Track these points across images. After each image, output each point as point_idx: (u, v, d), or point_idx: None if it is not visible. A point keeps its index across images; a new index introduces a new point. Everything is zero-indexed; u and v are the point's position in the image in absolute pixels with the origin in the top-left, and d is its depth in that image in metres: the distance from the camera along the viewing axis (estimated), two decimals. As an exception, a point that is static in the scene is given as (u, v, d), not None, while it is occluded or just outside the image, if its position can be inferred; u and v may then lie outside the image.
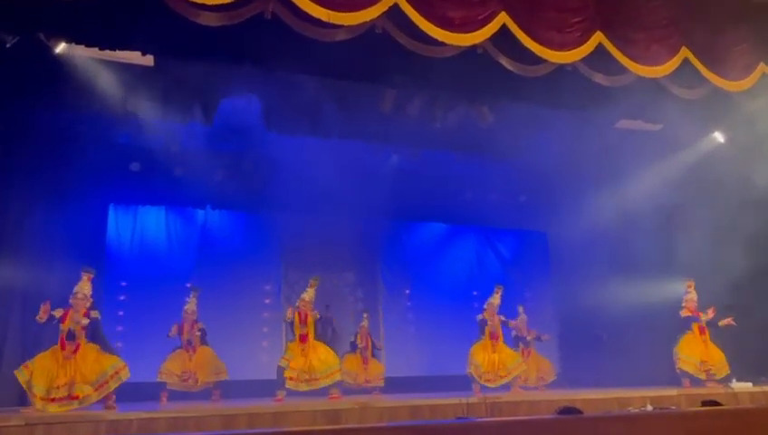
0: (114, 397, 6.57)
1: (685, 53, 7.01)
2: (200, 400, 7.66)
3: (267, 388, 8.17)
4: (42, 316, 6.40)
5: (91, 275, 6.77)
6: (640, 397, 6.86)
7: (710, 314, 8.45)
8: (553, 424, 3.93)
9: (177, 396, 7.73)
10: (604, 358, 9.75)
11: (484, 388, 7.97)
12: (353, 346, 8.96)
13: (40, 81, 6.99)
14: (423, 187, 10.15)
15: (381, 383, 8.86)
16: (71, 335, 6.44)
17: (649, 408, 5.98)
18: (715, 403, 5.43)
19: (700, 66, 7.08)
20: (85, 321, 6.54)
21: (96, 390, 6.37)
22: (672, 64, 6.97)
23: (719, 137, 9.04)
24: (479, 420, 4.44)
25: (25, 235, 7.72)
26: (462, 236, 11.59)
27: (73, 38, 6.41)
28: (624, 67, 6.87)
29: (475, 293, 11.13)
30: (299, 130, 8.28)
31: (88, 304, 6.64)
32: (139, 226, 9.49)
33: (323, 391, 7.50)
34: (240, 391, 8.17)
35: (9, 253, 7.44)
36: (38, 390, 6.09)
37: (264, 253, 9.95)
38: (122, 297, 8.54)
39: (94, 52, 6.67)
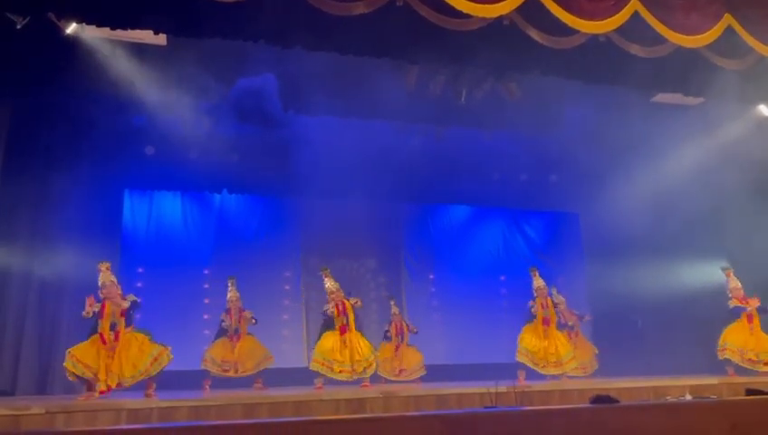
0: (154, 386, 6.46)
1: (728, 20, 6.72)
2: (242, 387, 7.55)
3: (288, 377, 8.04)
4: (88, 311, 6.25)
5: (108, 265, 6.64)
6: (678, 386, 6.74)
7: (756, 301, 8.26)
8: (587, 413, 3.73)
9: (216, 384, 7.64)
10: (640, 345, 9.47)
11: (531, 375, 7.75)
12: (387, 337, 8.74)
13: (51, 63, 6.88)
14: (448, 167, 9.87)
15: (421, 372, 8.63)
16: (112, 326, 6.32)
17: (688, 397, 5.80)
18: (760, 392, 5.11)
19: (745, 34, 6.77)
20: (125, 304, 6.42)
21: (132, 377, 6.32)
22: (714, 33, 6.69)
23: (765, 110, 8.61)
24: (509, 409, 4.25)
25: (40, 221, 7.70)
26: (488, 219, 11.27)
27: (84, 18, 6.22)
28: (662, 37, 6.58)
29: (502, 278, 10.89)
30: (317, 110, 8.09)
31: (119, 290, 6.52)
32: (155, 211, 9.34)
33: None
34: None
35: (24, 240, 7.42)
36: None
37: (283, 238, 9.75)
38: (139, 284, 8.41)
39: (105, 32, 6.52)
